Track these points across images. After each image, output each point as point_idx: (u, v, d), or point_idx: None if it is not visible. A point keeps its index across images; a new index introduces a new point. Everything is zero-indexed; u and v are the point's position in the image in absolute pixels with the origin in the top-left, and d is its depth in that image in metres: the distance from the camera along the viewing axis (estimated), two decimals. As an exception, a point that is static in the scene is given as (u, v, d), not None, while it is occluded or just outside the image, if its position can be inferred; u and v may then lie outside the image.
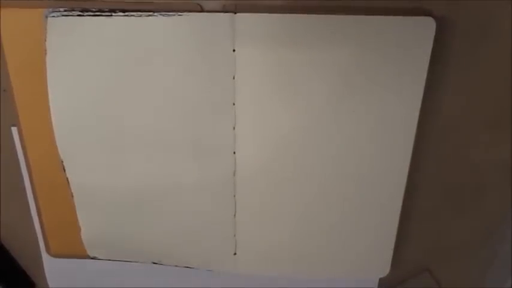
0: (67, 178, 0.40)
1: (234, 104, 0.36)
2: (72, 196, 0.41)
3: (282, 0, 0.33)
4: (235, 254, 0.42)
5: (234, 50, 0.34)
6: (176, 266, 0.44)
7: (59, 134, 0.38)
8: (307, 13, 0.32)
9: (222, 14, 0.33)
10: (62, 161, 0.39)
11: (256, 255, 0.42)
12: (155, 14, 0.33)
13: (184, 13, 0.33)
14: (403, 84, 0.34)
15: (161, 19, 0.33)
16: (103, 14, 0.33)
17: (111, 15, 0.33)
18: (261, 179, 0.38)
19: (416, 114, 0.35)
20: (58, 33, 0.34)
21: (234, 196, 0.40)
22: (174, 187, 0.40)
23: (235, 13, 0.33)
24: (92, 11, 0.33)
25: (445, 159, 0.39)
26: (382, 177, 0.37)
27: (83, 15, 0.34)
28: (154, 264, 0.45)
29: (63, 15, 0.34)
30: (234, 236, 0.42)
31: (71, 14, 0.34)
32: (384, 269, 0.42)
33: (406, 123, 0.35)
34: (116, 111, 0.37)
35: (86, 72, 0.36)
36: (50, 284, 0.48)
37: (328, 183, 0.38)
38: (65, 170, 0.39)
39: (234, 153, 0.38)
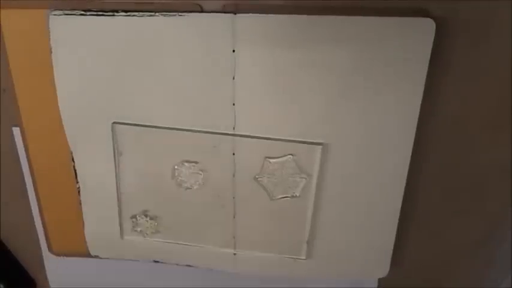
0: (75, 169, 0.40)
1: (234, 104, 0.36)
2: (79, 190, 0.41)
3: (282, 1, 0.33)
4: (235, 254, 0.42)
5: (233, 51, 0.34)
6: (177, 264, 0.44)
7: (67, 126, 0.38)
8: (307, 14, 0.32)
9: (222, 14, 0.33)
10: (72, 152, 0.39)
11: (256, 255, 0.42)
12: (156, 14, 0.33)
13: (184, 13, 0.33)
14: (403, 85, 0.34)
15: (161, 19, 0.33)
16: (105, 14, 0.34)
17: (114, 15, 0.34)
18: (260, 179, 0.38)
19: (416, 114, 0.35)
20: (61, 32, 0.35)
21: (234, 198, 0.40)
22: (174, 187, 0.40)
23: (235, 13, 0.33)
24: (94, 11, 0.34)
25: (444, 160, 0.39)
26: (382, 177, 0.37)
27: (86, 15, 0.34)
28: (155, 263, 0.45)
29: (65, 14, 0.34)
30: (234, 237, 0.42)
31: (73, 13, 0.34)
32: (384, 269, 0.42)
33: (406, 124, 0.35)
34: (117, 109, 0.37)
35: (88, 69, 0.36)
36: (51, 282, 0.48)
37: (327, 183, 0.38)
38: (73, 161, 0.40)
39: (234, 154, 0.38)
